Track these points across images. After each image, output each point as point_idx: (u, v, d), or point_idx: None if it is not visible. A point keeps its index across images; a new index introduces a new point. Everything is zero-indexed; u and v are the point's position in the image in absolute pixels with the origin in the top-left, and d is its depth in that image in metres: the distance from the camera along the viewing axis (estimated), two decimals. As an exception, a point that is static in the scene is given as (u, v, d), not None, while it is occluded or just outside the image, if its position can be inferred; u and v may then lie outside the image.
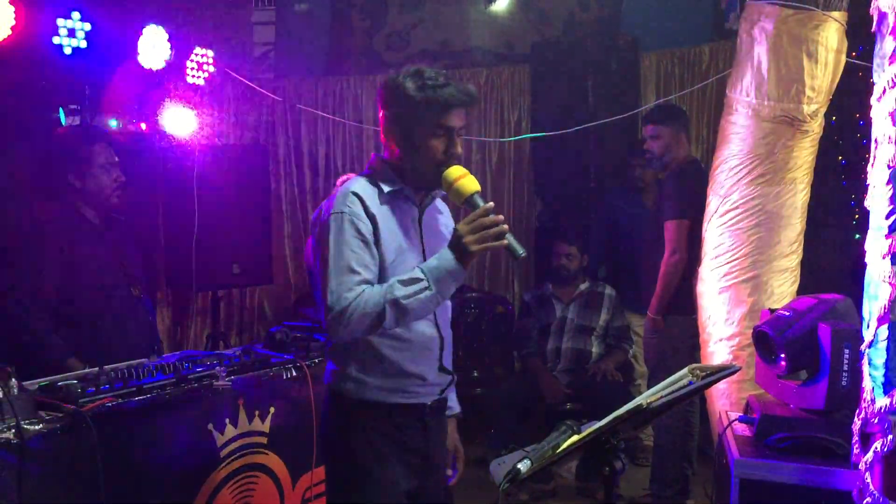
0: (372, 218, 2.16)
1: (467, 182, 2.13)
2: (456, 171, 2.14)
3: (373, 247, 2.16)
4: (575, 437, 1.78)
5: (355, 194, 2.17)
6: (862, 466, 2.00)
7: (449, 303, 2.35)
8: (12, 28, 3.38)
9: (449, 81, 2.17)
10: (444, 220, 2.42)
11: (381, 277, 2.17)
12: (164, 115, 4.97)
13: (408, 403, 2.26)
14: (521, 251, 2.08)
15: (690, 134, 4.52)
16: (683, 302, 4.08)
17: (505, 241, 2.06)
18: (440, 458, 2.40)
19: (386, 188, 2.22)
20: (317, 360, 3.14)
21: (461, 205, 2.15)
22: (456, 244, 2.08)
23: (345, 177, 3.74)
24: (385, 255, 2.18)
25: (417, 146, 2.19)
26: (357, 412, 2.24)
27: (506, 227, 2.07)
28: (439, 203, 2.41)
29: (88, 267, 3.12)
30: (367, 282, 2.12)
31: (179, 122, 4.90)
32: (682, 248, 4.00)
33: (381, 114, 2.26)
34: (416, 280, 2.08)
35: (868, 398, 1.98)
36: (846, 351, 2.52)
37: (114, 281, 3.21)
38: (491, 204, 2.09)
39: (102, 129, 3.64)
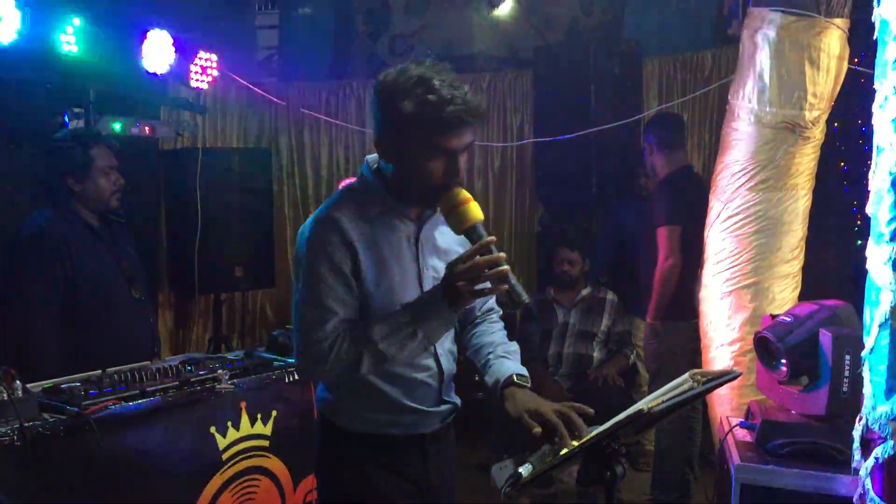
0: (350, 246, 1.92)
1: (470, 209, 1.85)
2: (459, 196, 1.86)
3: (350, 279, 1.93)
4: (576, 442, 1.78)
5: (332, 219, 1.93)
6: (863, 472, 2.00)
7: (448, 336, 2.16)
8: (17, 31, 3.40)
9: (454, 96, 1.84)
10: (444, 232, 2.08)
11: (365, 308, 1.96)
12: (168, 119, 4.99)
13: (405, 435, 2.08)
14: (524, 297, 1.80)
15: (686, 140, 4.54)
16: (682, 307, 4.12)
17: (505, 287, 1.79)
18: (442, 485, 2.19)
19: (373, 210, 1.98)
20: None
21: (460, 234, 1.88)
22: (447, 286, 1.84)
23: (345, 181, 3.75)
24: (367, 285, 1.95)
25: (411, 166, 1.91)
26: (350, 443, 2.07)
27: (507, 268, 1.79)
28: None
29: (87, 269, 3.12)
30: (342, 321, 1.91)
31: (183, 125, 4.93)
32: (675, 253, 4.07)
33: (377, 120, 1.96)
34: (399, 323, 1.87)
35: (869, 404, 1.98)
36: (847, 357, 2.53)
37: (113, 283, 3.22)
38: (492, 238, 1.81)
39: (101, 132, 3.64)
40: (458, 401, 2.22)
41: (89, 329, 3.12)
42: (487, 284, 1.81)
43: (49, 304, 3.04)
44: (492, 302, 2.34)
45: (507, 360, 2.18)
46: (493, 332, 2.30)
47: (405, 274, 2.00)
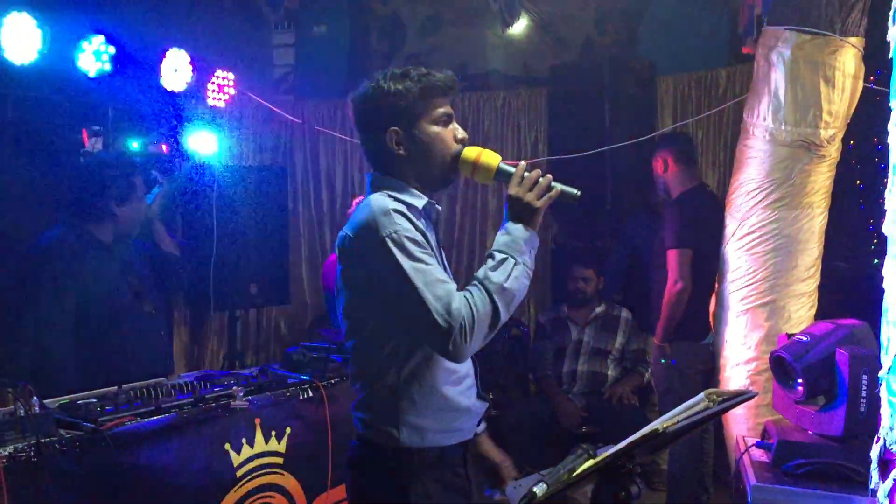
0: (421, 231, 1.97)
1: (488, 157, 2.06)
2: (473, 151, 2.06)
3: (435, 256, 2.00)
4: (591, 462, 1.78)
5: (397, 212, 1.95)
6: (881, 494, 1.98)
7: None
8: (38, 51, 3.45)
9: (430, 71, 2.07)
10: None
11: None
12: (185, 137, 5.03)
13: (456, 444, 2.08)
14: (574, 191, 2.03)
15: (696, 158, 4.52)
16: (690, 329, 4.11)
17: (559, 188, 2.01)
18: (474, 489, 2.22)
19: (420, 203, 2.06)
20: (333, 381, 3.15)
21: (492, 181, 2.08)
22: (518, 210, 2.00)
23: (360, 198, 3.77)
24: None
25: (430, 142, 2.05)
26: (408, 461, 2.01)
27: (549, 176, 2.01)
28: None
29: (97, 285, 3.16)
30: (457, 289, 1.93)
31: (200, 143, 4.96)
32: (686, 277, 4.03)
33: (372, 133, 2.08)
34: (503, 260, 1.96)
35: (886, 424, 1.97)
36: (864, 377, 2.51)
37: (123, 298, 3.25)
38: (523, 163, 2.04)
39: (138, 162, 3.74)
40: (489, 401, 2.24)
41: (100, 343, 3.15)
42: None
43: (61, 319, 3.07)
44: None
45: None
46: None
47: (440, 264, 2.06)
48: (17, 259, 3.42)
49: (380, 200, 1.99)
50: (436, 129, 2.06)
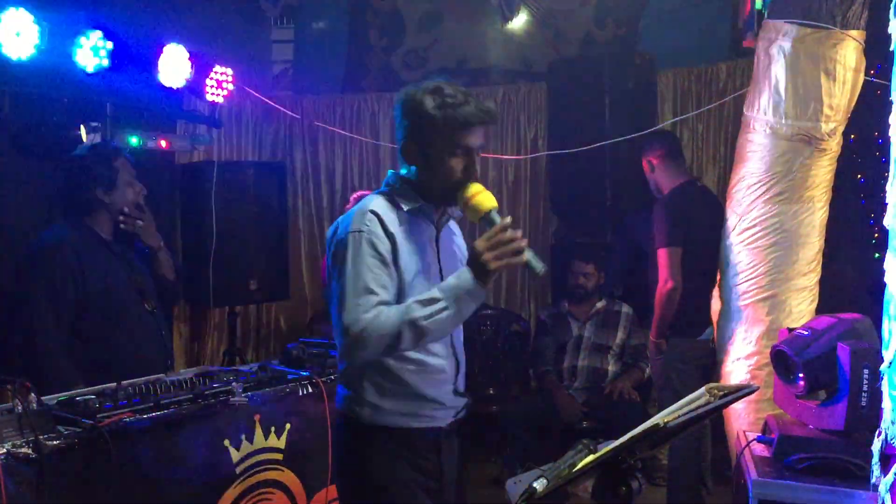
0: (391, 237, 2.11)
1: (484, 198, 2.10)
2: (473, 188, 2.11)
3: (391, 267, 2.10)
4: (591, 457, 1.77)
5: (374, 213, 2.12)
6: (882, 488, 1.98)
7: (461, 325, 2.31)
8: (35, 46, 3.43)
9: (468, 99, 2.13)
10: (459, 241, 2.38)
11: (399, 298, 2.11)
12: (184, 133, 5.03)
13: (423, 427, 2.21)
14: (540, 267, 2.05)
15: (682, 153, 4.52)
16: (686, 325, 4.13)
17: (524, 258, 2.02)
18: (451, 479, 2.34)
19: (406, 206, 2.17)
20: (333, 377, 3.14)
21: (478, 222, 2.11)
22: (474, 262, 2.03)
23: (358, 193, 3.75)
24: (403, 276, 2.12)
25: (435, 165, 2.14)
26: (373, 437, 2.19)
27: (525, 242, 2.03)
28: (453, 225, 2.37)
29: (99, 282, 3.15)
30: (384, 302, 2.05)
31: (198, 138, 4.96)
32: (676, 276, 4.02)
33: (400, 130, 2.21)
34: (435, 300, 2.02)
35: (888, 419, 1.96)
36: (866, 371, 2.50)
37: (125, 295, 3.24)
38: (509, 219, 2.05)
39: (118, 146, 3.69)
40: (469, 398, 2.33)
41: (102, 341, 3.14)
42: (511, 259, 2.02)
43: (57, 318, 3.05)
44: None
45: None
46: None
47: (430, 270, 2.19)
48: (15, 257, 3.40)
49: (368, 200, 2.18)
50: (446, 157, 2.13)
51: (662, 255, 4.07)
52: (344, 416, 2.25)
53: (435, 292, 2.04)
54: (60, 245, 3.12)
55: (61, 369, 3.01)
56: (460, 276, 2.05)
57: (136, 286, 3.31)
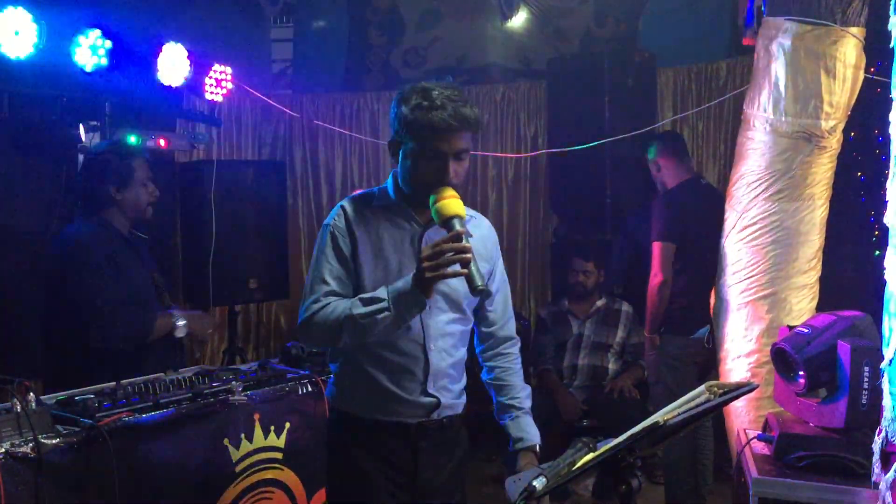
0: (351, 234, 2.20)
1: (450, 204, 2.05)
2: (443, 192, 2.08)
3: (348, 261, 2.19)
4: (591, 455, 1.76)
5: (343, 207, 2.24)
6: (882, 486, 1.97)
7: (461, 327, 2.32)
8: (34, 45, 3.43)
9: (446, 104, 2.09)
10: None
11: (360, 290, 2.18)
12: (183, 131, 5.02)
13: (388, 421, 2.24)
14: (479, 283, 1.98)
15: (687, 152, 4.56)
16: (679, 322, 4.19)
17: (465, 271, 1.98)
18: (437, 483, 2.32)
19: (376, 203, 2.26)
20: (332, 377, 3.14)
21: (441, 226, 2.07)
22: (416, 270, 2.05)
23: (357, 191, 3.77)
24: (363, 272, 2.19)
25: (408, 165, 2.17)
26: (345, 426, 2.30)
27: (469, 256, 1.98)
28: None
29: (127, 278, 3.16)
30: (335, 293, 2.17)
31: (198, 137, 4.95)
32: (666, 270, 4.12)
33: (393, 127, 2.24)
34: (377, 300, 2.08)
35: (888, 416, 1.96)
36: (866, 368, 2.49)
37: (149, 290, 3.27)
38: (460, 231, 2.01)
39: (138, 146, 3.71)
40: (444, 398, 2.29)
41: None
42: (453, 268, 2.00)
43: (116, 285, 3.07)
44: (511, 329, 2.52)
45: (533, 425, 2.52)
46: (516, 373, 2.58)
47: (404, 269, 2.18)
48: (23, 254, 3.40)
49: (355, 194, 2.33)
50: (418, 158, 2.15)
51: (655, 248, 4.16)
52: (330, 407, 2.41)
53: (381, 292, 2.10)
54: (96, 236, 3.16)
55: (130, 326, 3.07)
56: (406, 280, 2.08)
57: (154, 282, 3.33)
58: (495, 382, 2.54)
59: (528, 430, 2.47)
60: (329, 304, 2.14)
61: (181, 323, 3.22)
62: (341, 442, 2.30)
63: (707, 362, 4.09)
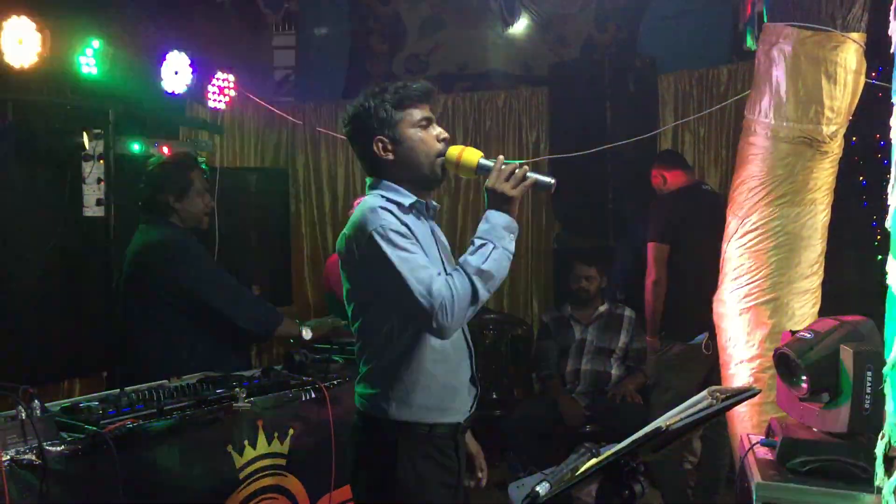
0: (406, 224, 2.17)
1: (469, 153, 2.22)
2: (456, 149, 2.23)
3: (420, 246, 2.17)
4: (594, 460, 1.77)
5: (382, 208, 2.17)
6: (886, 490, 1.97)
7: None
8: (38, 54, 3.45)
9: (406, 83, 2.27)
10: (440, 232, 2.43)
11: None
12: (186, 139, 5.03)
13: (445, 423, 2.26)
14: (549, 180, 2.18)
15: (686, 163, 4.71)
16: (677, 328, 4.23)
17: (533, 178, 2.15)
18: (463, 476, 2.41)
19: (406, 201, 2.25)
20: (336, 382, 3.14)
21: (474, 176, 2.26)
22: (495, 199, 2.16)
23: (360, 199, 3.79)
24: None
25: (413, 144, 2.24)
26: (399, 435, 2.22)
27: (526, 167, 2.16)
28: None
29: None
30: (439, 273, 2.12)
31: (201, 145, 4.97)
32: (658, 269, 4.23)
33: (361, 144, 2.29)
34: (481, 245, 2.12)
35: (891, 421, 1.95)
36: (869, 373, 2.49)
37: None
38: (501, 157, 2.19)
39: (197, 158, 3.80)
40: (478, 388, 2.39)
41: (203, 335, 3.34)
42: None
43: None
44: None
45: None
46: None
47: (436, 259, 2.25)
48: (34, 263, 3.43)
49: (370, 201, 2.23)
50: (416, 132, 2.24)
51: (649, 248, 4.27)
52: (366, 415, 2.28)
53: (476, 241, 2.15)
54: (183, 243, 3.34)
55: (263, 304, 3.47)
56: (489, 218, 2.16)
57: None
58: None
59: None
60: (447, 280, 2.09)
61: (307, 333, 3.51)
62: (397, 452, 2.21)
63: (704, 368, 4.11)
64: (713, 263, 3.75)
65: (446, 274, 2.13)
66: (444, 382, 2.25)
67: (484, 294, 2.11)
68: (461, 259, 2.13)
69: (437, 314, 2.05)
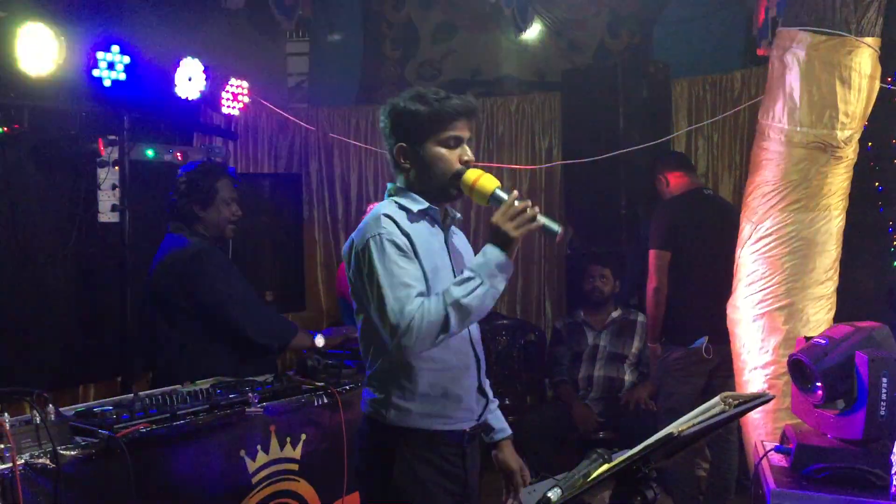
0: (407, 235, 2.17)
1: (487, 180, 2.17)
2: (473, 174, 2.19)
3: (416, 261, 2.17)
4: (605, 466, 1.76)
5: (386, 216, 2.18)
6: (902, 498, 1.95)
7: (476, 324, 2.36)
8: (54, 61, 3.48)
9: (449, 95, 2.22)
10: (463, 243, 2.45)
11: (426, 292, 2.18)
12: (200, 145, 5.06)
13: (448, 430, 2.25)
14: (556, 227, 2.11)
15: (691, 165, 4.75)
16: (675, 332, 4.26)
17: (541, 222, 2.09)
18: (475, 485, 2.38)
19: (415, 207, 2.24)
20: (348, 387, 3.15)
21: (486, 204, 2.19)
22: (496, 235, 2.10)
23: (374, 204, 3.82)
24: (425, 270, 2.19)
25: (432, 161, 2.22)
26: (398, 440, 2.22)
27: (537, 208, 2.11)
28: (455, 229, 2.43)
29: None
30: (421, 294, 2.11)
31: (215, 151, 4.99)
32: (659, 277, 4.24)
33: (390, 141, 2.30)
34: (469, 279, 2.08)
35: (907, 428, 1.94)
36: (884, 379, 2.47)
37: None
38: (515, 192, 2.12)
39: (226, 166, 3.82)
40: (490, 395, 2.39)
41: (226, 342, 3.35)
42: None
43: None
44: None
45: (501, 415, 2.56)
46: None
47: (439, 271, 2.22)
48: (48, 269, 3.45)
49: (379, 207, 2.25)
50: (440, 150, 2.21)
51: (651, 256, 4.29)
52: (369, 419, 2.29)
53: (466, 273, 2.10)
54: (211, 247, 3.38)
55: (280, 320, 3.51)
56: (486, 252, 2.11)
57: None
58: None
59: (504, 421, 2.55)
60: (424, 302, 2.07)
61: (319, 340, 3.51)
62: (397, 455, 2.22)
63: (703, 373, 4.15)
64: (713, 268, 3.81)
65: (428, 295, 2.11)
66: (445, 391, 2.23)
67: (456, 327, 2.08)
68: (445, 288, 2.10)
69: (401, 334, 2.06)
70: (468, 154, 2.24)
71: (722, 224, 4.04)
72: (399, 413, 2.21)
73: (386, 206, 2.26)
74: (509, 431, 2.54)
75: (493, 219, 2.12)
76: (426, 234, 2.24)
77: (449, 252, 2.31)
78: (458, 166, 2.22)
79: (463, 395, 2.26)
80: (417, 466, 2.21)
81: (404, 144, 2.25)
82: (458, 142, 2.23)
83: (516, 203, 2.10)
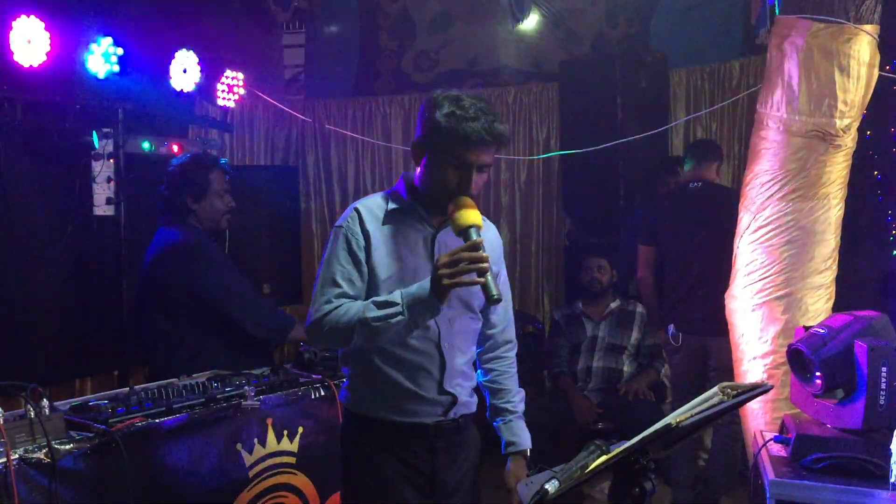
0: (366, 234, 2.19)
1: (466, 214, 2.08)
2: (461, 201, 2.11)
3: (363, 263, 2.19)
4: (603, 458, 1.75)
5: (356, 210, 2.24)
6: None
7: (473, 325, 2.35)
8: (47, 53, 3.45)
9: (480, 116, 2.11)
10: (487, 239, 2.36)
11: (370, 294, 2.19)
12: (196, 137, 5.04)
13: (410, 423, 2.25)
14: (494, 293, 2.01)
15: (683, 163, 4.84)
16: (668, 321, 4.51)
17: (482, 280, 2.00)
18: (453, 483, 2.34)
19: (391, 206, 2.25)
20: (345, 380, 3.14)
21: (457, 234, 2.10)
22: (433, 277, 2.04)
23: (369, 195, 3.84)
24: (377, 272, 2.19)
25: (433, 170, 2.19)
26: (361, 427, 2.29)
27: (486, 266, 2.00)
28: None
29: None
30: (346, 295, 2.16)
31: (210, 143, 4.97)
32: (643, 269, 4.64)
33: (415, 131, 2.27)
34: (391, 304, 2.08)
35: (907, 417, 1.93)
36: (884, 369, 2.47)
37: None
38: (478, 240, 2.03)
39: (219, 158, 3.80)
40: (461, 395, 2.32)
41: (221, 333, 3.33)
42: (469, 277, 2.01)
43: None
44: (510, 332, 2.54)
45: (525, 429, 2.54)
46: (512, 376, 2.56)
47: (419, 270, 2.20)
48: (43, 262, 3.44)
49: (365, 198, 2.31)
50: (446, 166, 2.15)
51: (639, 250, 4.63)
52: (343, 405, 2.39)
53: (395, 296, 2.09)
54: (207, 238, 3.37)
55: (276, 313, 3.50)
56: (421, 285, 2.08)
57: None
58: (491, 385, 2.52)
59: (521, 435, 2.50)
60: (341, 305, 2.13)
61: None
62: (359, 445, 2.29)
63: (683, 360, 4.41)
64: (696, 258, 4.20)
65: (349, 301, 2.15)
66: (398, 385, 2.22)
67: (359, 343, 2.13)
68: (370, 300, 2.12)
69: (310, 325, 2.17)
70: (470, 183, 2.15)
71: (704, 213, 4.27)
72: (357, 399, 2.31)
73: (372, 197, 2.30)
74: (521, 447, 2.49)
75: (438, 258, 2.05)
76: (403, 232, 2.23)
77: (434, 249, 2.24)
78: (452, 189, 2.14)
79: (421, 392, 2.24)
80: (374, 453, 2.25)
81: (421, 142, 2.22)
82: (463, 165, 2.14)
83: (471, 253, 2.00)
